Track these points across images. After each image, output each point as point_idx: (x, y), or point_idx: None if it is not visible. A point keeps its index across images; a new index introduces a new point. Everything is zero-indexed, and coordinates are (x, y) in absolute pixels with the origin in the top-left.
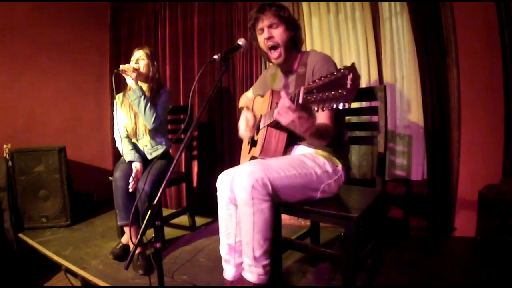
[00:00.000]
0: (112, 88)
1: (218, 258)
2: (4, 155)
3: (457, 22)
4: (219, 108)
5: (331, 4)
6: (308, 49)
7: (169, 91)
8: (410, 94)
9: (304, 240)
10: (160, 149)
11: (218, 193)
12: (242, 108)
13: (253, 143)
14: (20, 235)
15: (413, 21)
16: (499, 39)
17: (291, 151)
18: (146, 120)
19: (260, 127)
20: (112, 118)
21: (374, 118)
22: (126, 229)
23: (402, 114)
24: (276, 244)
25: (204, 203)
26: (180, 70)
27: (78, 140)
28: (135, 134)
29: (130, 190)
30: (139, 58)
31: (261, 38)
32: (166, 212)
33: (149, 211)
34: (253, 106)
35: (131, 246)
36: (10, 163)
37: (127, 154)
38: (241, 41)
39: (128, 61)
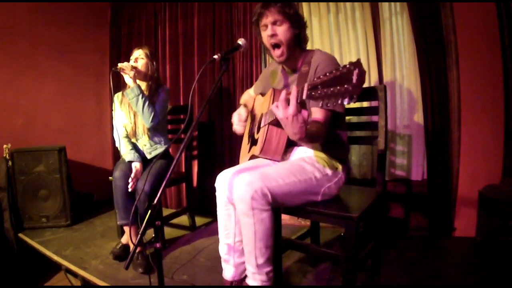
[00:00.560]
0: (114, 82)
1: (218, 258)
2: (4, 155)
3: (457, 22)
4: (219, 108)
5: (331, 4)
6: (308, 47)
7: (167, 90)
8: (410, 94)
9: (304, 240)
10: (160, 149)
11: (217, 193)
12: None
13: (253, 142)
14: (20, 235)
15: (413, 21)
16: (499, 39)
17: (291, 152)
18: (144, 119)
19: (261, 125)
20: (112, 118)
21: (374, 118)
22: (126, 229)
23: (402, 114)
24: (276, 244)
25: (204, 203)
26: (180, 70)
27: (78, 140)
28: (135, 133)
29: (130, 190)
30: (138, 57)
31: (265, 35)
32: (166, 212)
33: (149, 211)
34: (253, 105)
35: (131, 246)
36: (10, 163)
37: (127, 154)
38: (241, 41)
39: (128, 61)
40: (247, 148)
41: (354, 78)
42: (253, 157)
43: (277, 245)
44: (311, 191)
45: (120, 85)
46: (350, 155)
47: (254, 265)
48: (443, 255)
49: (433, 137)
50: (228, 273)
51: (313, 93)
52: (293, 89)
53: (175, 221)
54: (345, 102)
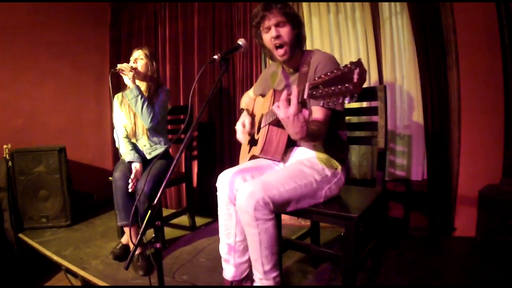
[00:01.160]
0: (113, 83)
1: (218, 258)
2: (4, 155)
3: (457, 22)
4: (219, 108)
5: (331, 4)
6: (308, 47)
7: (167, 90)
8: (410, 94)
9: (304, 240)
10: (159, 149)
11: (218, 193)
12: (242, 110)
13: (253, 142)
14: (20, 235)
15: (413, 21)
16: (499, 39)
17: (291, 152)
18: (143, 120)
19: (261, 126)
20: (112, 118)
21: (374, 118)
22: (126, 229)
23: (402, 114)
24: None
25: (204, 203)
26: (180, 70)
27: (78, 140)
28: (135, 134)
29: (130, 190)
30: (138, 58)
31: (267, 37)
32: (166, 212)
33: (149, 211)
34: (253, 107)
35: (131, 246)
36: (10, 163)
37: (127, 154)
38: (241, 41)
39: (128, 61)
40: (247, 148)
41: (355, 77)
42: (253, 157)
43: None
44: (313, 195)
45: (120, 85)
46: (350, 155)
47: (261, 272)
48: (443, 255)
49: (433, 137)
50: (229, 273)
51: (314, 93)
52: (294, 89)
53: (175, 221)
54: (346, 101)
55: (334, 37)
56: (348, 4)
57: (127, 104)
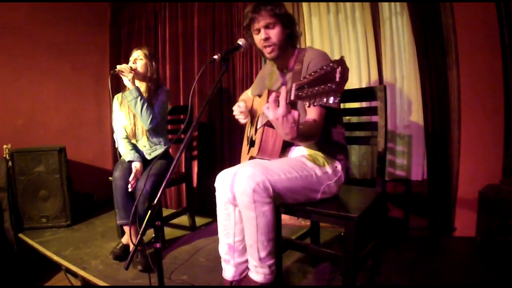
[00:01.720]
0: (112, 85)
1: (218, 258)
2: (4, 155)
3: (457, 22)
4: (219, 108)
5: (331, 4)
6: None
7: (167, 91)
8: (410, 94)
9: (304, 240)
10: (159, 149)
11: (216, 193)
12: None
13: (251, 143)
14: (20, 235)
15: (413, 21)
16: (499, 39)
17: (288, 152)
18: (143, 121)
19: (258, 127)
20: (112, 118)
21: (374, 118)
22: (126, 228)
23: (402, 114)
24: (276, 244)
25: (204, 203)
26: (180, 70)
27: (78, 140)
28: (134, 134)
29: (130, 190)
30: (137, 58)
31: (257, 38)
32: (166, 212)
33: (149, 211)
34: (252, 106)
35: (131, 246)
36: (10, 163)
37: (127, 154)
38: (241, 41)
39: (127, 62)
40: (246, 149)
41: (337, 76)
42: (252, 158)
43: (277, 245)
44: (311, 188)
45: (120, 86)
46: (350, 155)
47: (257, 258)
48: (443, 255)
49: (433, 137)
50: (228, 273)
51: (300, 93)
52: (283, 90)
53: (175, 221)
54: (331, 101)
55: (334, 37)
56: (348, 4)
57: (126, 105)
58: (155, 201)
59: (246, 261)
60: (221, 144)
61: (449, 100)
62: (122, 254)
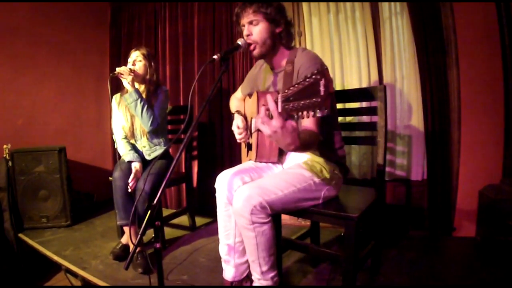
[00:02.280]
0: (112, 87)
1: (218, 259)
2: (4, 155)
3: (457, 22)
4: (219, 108)
5: (331, 4)
6: (308, 47)
7: (166, 91)
8: (410, 94)
9: (304, 240)
10: (159, 150)
11: (216, 194)
12: (233, 114)
13: (249, 146)
14: (20, 235)
15: (413, 21)
16: (499, 39)
17: (286, 154)
18: (143, 123)
19: (252, 131)
20: (111, 118)
21: (374, 118)
22: (126, 229)
23: (402, 114)
24: (276, 244)
25: (204, 203)
26: (180, 70)
27: (78, 140)
28: (133, 135)
29: (130, 190)
30: (136, 59)
31: (244, 35)
32: (166, 212)
33: (149, 211)
34: (244, 108)
35: (131, 246)
36: (10, 163)
37: (126, 154)
38: (241, 41)
39: (126, 63)
40: (245, 151)
41: (322, 89)
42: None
43: (277, 245)
44: (311, 197)
45: (119, 87)
46: (350, 155)
47: (259, 273)
48: (443, 255)
49: (433, 137)
50: (229, 273)
51: (286, 106)
52: (269, 100)
53: (175, 221)
54: (318, 114)
55: (334, 37)
56: (348, 4)
57: (124, 105)
58: (155, 201)
59: (247, 261)
60: (221, 144)
61: (449, 100)
62: (122, 254)
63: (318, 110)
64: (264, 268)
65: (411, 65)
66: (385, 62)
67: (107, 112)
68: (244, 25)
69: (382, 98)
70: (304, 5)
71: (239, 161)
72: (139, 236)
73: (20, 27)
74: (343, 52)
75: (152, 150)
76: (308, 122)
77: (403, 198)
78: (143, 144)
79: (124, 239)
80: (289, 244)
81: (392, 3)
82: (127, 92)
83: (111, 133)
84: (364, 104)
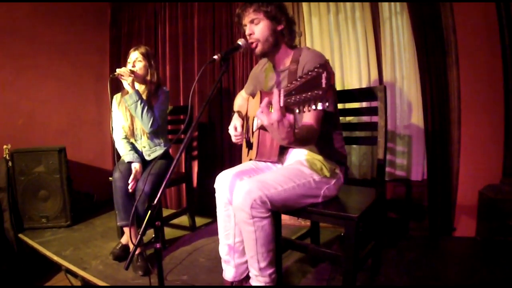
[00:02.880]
0: (112, 89)
1: (218, 259)
2: (4, 155)
3: (457, 22)
4: (219, 108)
5: (331, 4)
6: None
7: (167, 92)
8: (410, 94)
9: (304, 240)
10: (159, 151)
11: (216, 194)
12: (234, 113)
13: (250, 146)
14: (20, 235)
15: (413, 21)
16: (499, 39)
17: (287, 153)
18: (143, 124)
19: (253, 130)
20: (111, 119)
21: (374, 118)
22: (126, 229)
23: (402, 114)
24: (276, 244)
25: (204, 203)
26: (180, 70)
27: (78, 140)
28: (133, 134)
29: (130, 191)
30: (136, 60)
31: (246, 34)
32: (166, 212)
33: (149, 212)
34: (247, 108)
35: (131, 246)
36: (10, 163)
37: (126, 154)
38: (241, 41)
39: (126, 63)
40: (246, 151)
41: (323, 82)
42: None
43: (277, 245)
44: (311, 194)
45: (120, 87)
46: (350, 155)
47: (257, 269)
48: (443, 255)
49: (433, 137)
50: (229, 273)
51: (288, 100)
52: (275, 93)
53: (175, 221)
54: (319, 107)
55: (334, 37)
56: (348, 4)
57: (124, 104)
58: (155, 201)
59: (247, 261)
60: (221, 144)
61: (449, 100)
62: (122, 254)
63: (319, 103)
64: (262, 264)
65: (411, 65)
66: (385, 62)
67: (107, 112)
68: (245, 25)
69: (382, 98)
70: (304, 5)
71: (239, 161)
72: (139, 236)
73: (20, 27)
74: (343, 52)
75: (152, 150)
76: (308, 118)
77: (403, 198)
78: (143, 144)
79: (124, 239)
80: (289, 244)
81: (392, 3)
82: (127, 93)
83: (111, 133)
84: (364, 104)
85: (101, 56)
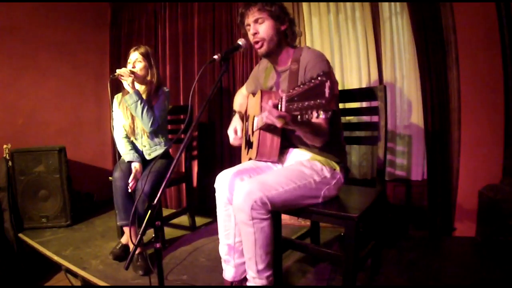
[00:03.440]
0: (112, 89)
1: (218, 258)
2: (4, 155)
3: (457, 22)
4: (219, 108)
5: (331, 4)
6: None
7: (167, 92)
8: (410, 94)
9: (304, 240)
10: (159, 150)
11: (216, 194)
12: (234, 113)
13: (249, 144)
14: (20, 235)
15: (413, 21)
16: (499, 39)
17: (287, 154)
18: (144, 124)
19: (254, 129)
20: (112, 118)
21: (374, 118)
22: (126, 229)
23: (402, 114)
24: (276, 244)
25: (204, 203)
26: (180, 70)
27: (78, 140)
28: (134, 133)
29: (130, 190)
30: (136, 61)
31: (249, 34)
32: (166, 212)
33: (149, 211)
34: (247, 106)
35: (131, 246)
36: (10, 163)
37: (127, 154)
38: (241, 41)
39: (126, 63)
40: (245, 150)
41: (327, 91)
42: (251, 159)
43: (277, 245)
44: (311, 195)
45: (120, 87)
46: (350, 155)
47: (255, 271)
48: (443, 255)
49: (433, 137)
50: (229, 273)
51: (290, 106)
52: (282, 94)
53: (175, 221)
54: (322, 116)
55: (334, 37)
56: (348, 4)
57: (125, 104)
58: (155, 201)
59: None
60: (221, 144)
61: (449, 100)
62: (122, 254)
63: (322, 112)
64: (260, 266)
65: (411, 65)
66: (385, 62)
67: (107, 112)
68: (249, 25)
69: (382, 98)
70: (304, 5)
71: (239, 161)
72: (139, 236)
73: (20, 27)
74: (343, 52)
75: (152, 149)
76: (319, 119)
77: (403, 198)
78: (143, 143)
79: (124, 239)
80: (289, 244)
81: (392, 3)
82: (128, 93)
83: (111, 133)
84: (364, 104)
85: (101, 56)
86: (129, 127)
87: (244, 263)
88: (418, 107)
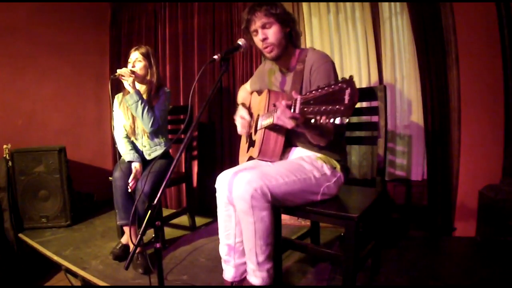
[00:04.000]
0: (112, 89)
1: (218, 258)
2: (4, 155)
3: (457, 22)
4: (219, 108)
5: (331, 4)
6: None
7: (168, 92)
8: (410, 94)
9: (304, 240)
10: (159, 150)
11: (217, 194)
12: (238, 106)
13: (251, 142)
14: (20, 235)
15: (413, 21)
16: (499, 39)
17: (288, 153)
18: (144, 124)
19: (258, 128)
20: (112, 118)
21: (374, 118)
22: (126, 229)
23: (402, 114)
24: (276, 244)
25: (204, 203)
26: (180, 70)
27: (78, 140)
28: (134, 133)
29: (130, 190)
30: (136, 60)
31: (257, 39)
32: (166, 212)
33: (149, 211)
34: (250, 102)
35: (131, 246)
36: (10, 163)
37: (127, 154)
38: (241, 41)
39: (127, 62)
40: (245, 147)
41: (346, 98)
42: (251, 158)
43: (277, 245)
44: (310, 191)
45: (120, 87)
46: (350, 155)
47: (255, 263)
48: (443, 255)
49: (433, 137)
50: (229, 273)
51: (305, 109)
52: (293, 94)
53: (175, 221)
54: (337, 121)
55: (334, 37)
56: (348, 4)
57: (125, 104)
58: (155, 201)
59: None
60: (221, 144)
61: (449, 100)
62: (122, 254)
63: (338, 118)
64: (261, 258)
65: (411, 65)
66: (385, 62)
67: (107, 112)
68: (256, 30)
69: (382, 98)
70: (304, 5)
71: (238, 161)
72: (139, 236)
73: (20, 27)
74: (343, 52)
75: (152, 150)
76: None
77: (403, 198)
78: (143, 143)
79: (124, 239)
80: (289, 244)
81: (392, 3)
82: (128, 92)
83: (111, 133)
84: (364, 104)
85: (101, 56)
86: (130, 127)
87: (244, 263)
88: (418, 107)
